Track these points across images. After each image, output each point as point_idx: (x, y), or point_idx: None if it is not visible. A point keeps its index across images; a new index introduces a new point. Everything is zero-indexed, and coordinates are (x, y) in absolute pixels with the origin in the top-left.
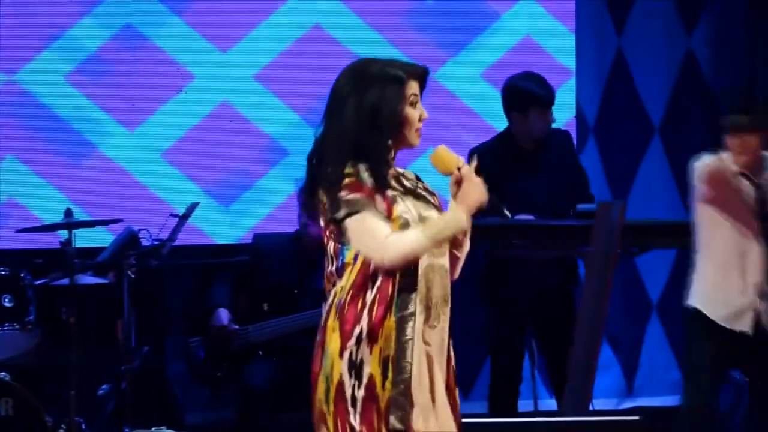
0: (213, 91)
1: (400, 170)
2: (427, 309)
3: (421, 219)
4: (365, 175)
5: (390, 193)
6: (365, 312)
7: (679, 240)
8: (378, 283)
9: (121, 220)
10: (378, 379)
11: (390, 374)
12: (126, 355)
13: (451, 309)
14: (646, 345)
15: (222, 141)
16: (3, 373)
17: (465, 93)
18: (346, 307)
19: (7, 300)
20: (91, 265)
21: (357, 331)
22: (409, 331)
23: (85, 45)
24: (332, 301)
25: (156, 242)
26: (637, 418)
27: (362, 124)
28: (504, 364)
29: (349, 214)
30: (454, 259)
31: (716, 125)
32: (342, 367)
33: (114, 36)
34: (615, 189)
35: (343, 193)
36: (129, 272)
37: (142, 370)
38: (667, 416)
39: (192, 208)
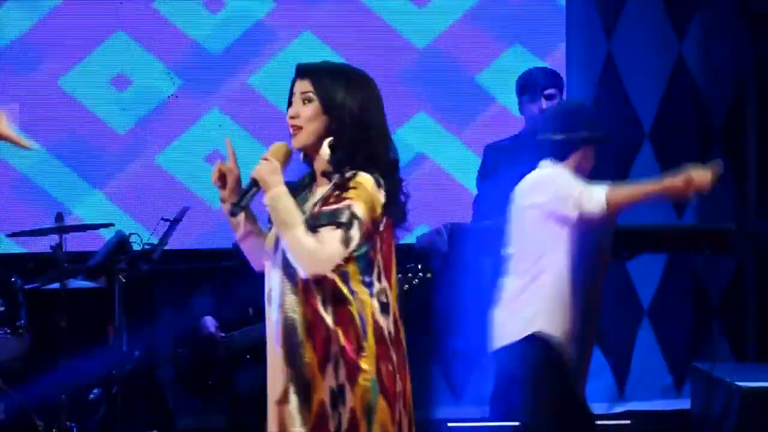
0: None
1: None
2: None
3: None
4: None
5: None
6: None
7: (670, 245)
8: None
9: (112, 225)
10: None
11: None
12: (117, 359)
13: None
14: (637, 349)
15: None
16: None
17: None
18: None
19: None
20: (81, 269)
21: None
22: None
23: None
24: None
25: (147, 246)
26: (628, 422)
27: (371, 136)
28: None
29: None
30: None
31: (707, 131)
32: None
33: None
34: None
35: None
36: (120, 276)
37: (134, 374)
38: (658, 420)
39: (183, 212)
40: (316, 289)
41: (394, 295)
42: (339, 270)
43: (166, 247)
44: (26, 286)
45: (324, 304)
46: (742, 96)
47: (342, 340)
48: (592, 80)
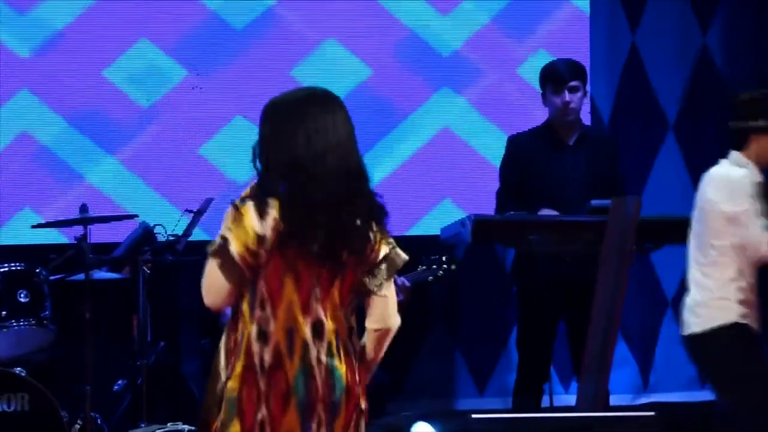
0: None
1: None
2: None
3: None
4: None
5: None
6: None
7: None
8: None
9: (136, 216)
10: None
11: None
12: (141, 350)
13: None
14: (661, 341)
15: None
16: (19, 369)
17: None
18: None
19: (22, 295)
20: (106, 260)
21: None
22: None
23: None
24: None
25: (171, 237)
26: (652, 413)
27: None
28: (531, 360)
29: None
30: None
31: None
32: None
33: None
34: (630, 185)
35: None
36: (144, 268)
37: (158, 365)
38: (683, 412)
39: (207, 203)
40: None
41: (279, 327)
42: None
43: (190, 239)
44: (51, 278)
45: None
46: (767, 87)
47: (222, 358)
48: (616, 72)
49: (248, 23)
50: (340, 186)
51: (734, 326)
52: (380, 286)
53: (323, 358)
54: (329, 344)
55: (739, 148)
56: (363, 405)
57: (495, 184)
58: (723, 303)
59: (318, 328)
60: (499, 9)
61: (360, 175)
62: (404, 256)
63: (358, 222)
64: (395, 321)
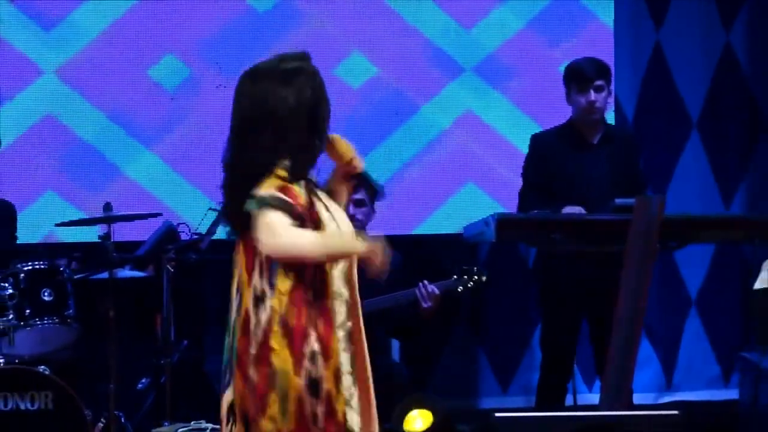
0: None
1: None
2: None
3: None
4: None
5: (316, 203)
6: (312, 329)
7: (718, 234)
8: (317, 297)
9: (160, 214)
10: (333, 393)
11: (340, 386)
12: (165, 349)
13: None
14: (684, 339)
15: None
16: (43, 367)
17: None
18: (290, 324)
19: (46, 294)
20: (130, 259)
21: (309, 349)
22: (343, 342)
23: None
24: (270, 317)
25: (195, 236)
26: (676, 412)
27: (301, 123)
28: (554, 358)
29: (260, 208)
30: None
31: (755, 120)
32: (300, 385)
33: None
34: (653, 183)
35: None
36: (168, 266)
37: (181, 364)
38: (706, 410)
39: None
40: None
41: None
42: None
43: (214, 237)
44: (75, 276)
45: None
46: None
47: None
48: (640, 70)
49: (278, 20)
50: None
51: None
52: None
53: None
54: None
55: None
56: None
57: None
58: None
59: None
60: (516, 30)
61: None
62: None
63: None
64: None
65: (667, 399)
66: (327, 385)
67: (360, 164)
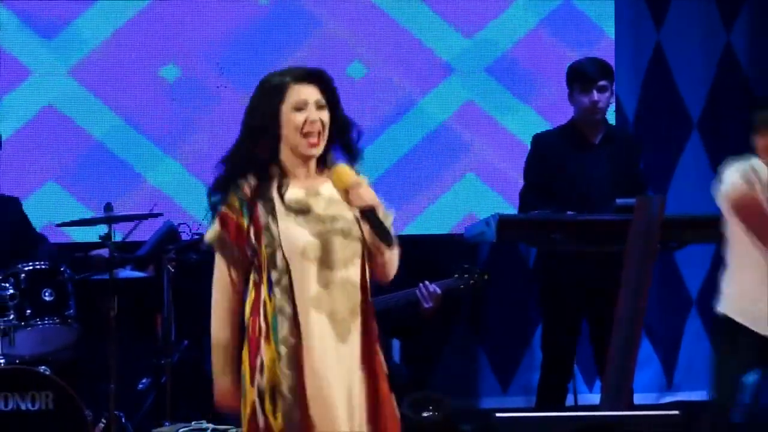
0: None
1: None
2: (335, 324)
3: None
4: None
5: (261, 217)
6: (262, 340)
7: (718, 234)
8: (260, 308)
9: (160, 215)
10: (268, 409)
11: (279, 404)
12: (165, 349)
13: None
14: (685, 340)
15: None
16: (43, 367)
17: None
18: (248, 334)
19: (47, 294)
20: (130, 259)
21: (258, 361)
22: (285, 359)
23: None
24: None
25: (196, 236)
26: (676, 412)
27: (240, 138)
28: (555, 358)
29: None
30: (380, 264)
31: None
32: (254, 396)
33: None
34: (654, 183)
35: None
36: (169, 266)
37: (182, 364)
38: (707, 411)
39: None
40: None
41: None
42: None
43: None
44: (75, 276)
45: None
46: None
47: None
48: (640, 70)
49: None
50: None
51: None
52: None
53: None
54: None
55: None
56: None
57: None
58: None
59: None
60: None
61: None
62: None
63: None
64: None
65: (668, 399)
66: (265, 400)
67: (361, 199)
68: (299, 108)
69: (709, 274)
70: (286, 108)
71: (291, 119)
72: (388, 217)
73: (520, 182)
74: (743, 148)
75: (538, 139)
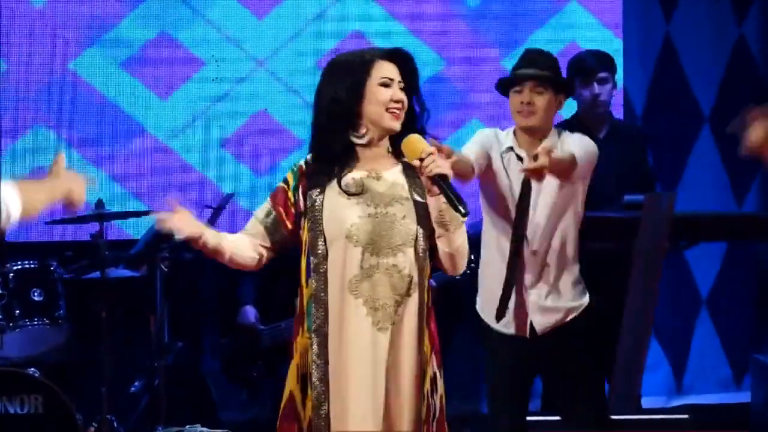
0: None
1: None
2: (374, 312)
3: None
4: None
5: (310, 197)
6: (298, 325)
7: (729, 233)
8: (299, 293)
9: (152, 212)
10: (297, 396)
11: (309, 392)
12: (159, 350)
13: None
14: (695, 341)
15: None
16: (32, 370)
17: None
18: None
19: (36, 294)
20: (122, 258)
21: (295, 346)
22: (316, 347)
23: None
24: None
25: None
26: (686, 416)
27: (321, 118)
28: None
29: None
30: (447, 254)
31: None
32: (295, 383)
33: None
34: (664, 179)
35: None
36: (162, 265)
37: (176, 366)
38: (717, 414)
39: (226, 199)
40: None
41: None
42: None
43: None
44: (65, 276)
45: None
46: None
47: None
48: (649, 63)
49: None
50: None
51: None
52: None
53: None
54: None
55: None
56: None
57: None
58: None
59: None
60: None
61: None
62: None
63: None
64: None
65: (677, 402)
66: (289, 386)
67: (436, 167)
68: (386, 84)
69: (720, 273)
70: (371, 83)
71: (376, 93)
72: None
73: None
74: None
75: None
